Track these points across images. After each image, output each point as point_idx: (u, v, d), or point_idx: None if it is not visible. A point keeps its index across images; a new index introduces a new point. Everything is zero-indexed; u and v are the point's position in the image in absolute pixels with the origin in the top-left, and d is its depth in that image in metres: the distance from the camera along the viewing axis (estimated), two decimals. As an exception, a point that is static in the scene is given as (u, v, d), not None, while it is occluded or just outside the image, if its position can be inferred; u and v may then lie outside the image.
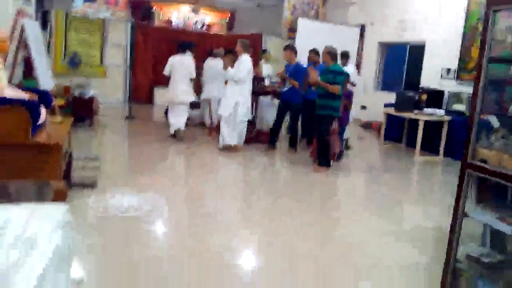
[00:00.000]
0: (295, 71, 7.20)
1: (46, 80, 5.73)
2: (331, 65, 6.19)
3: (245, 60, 6.86)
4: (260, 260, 3.46)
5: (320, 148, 6.31)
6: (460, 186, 2.62)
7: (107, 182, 4.84)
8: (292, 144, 7.46)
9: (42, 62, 5.82)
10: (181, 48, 7.68)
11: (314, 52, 7.54)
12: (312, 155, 6.70)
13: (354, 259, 3.57)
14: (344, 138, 7.43)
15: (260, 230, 4.08)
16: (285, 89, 7.35)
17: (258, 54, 9.92)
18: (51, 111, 4.54)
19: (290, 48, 7.48)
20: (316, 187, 5.78)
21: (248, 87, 7.02)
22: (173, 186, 5.24)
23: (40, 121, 3.89)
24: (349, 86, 7.33)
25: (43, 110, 4.01)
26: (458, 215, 2.63)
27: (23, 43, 5.66)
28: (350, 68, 7.68)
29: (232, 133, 7.01)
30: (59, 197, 3.68)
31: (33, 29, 5.86)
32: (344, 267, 3.41)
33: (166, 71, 7.59)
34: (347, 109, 7.08)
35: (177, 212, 4.38)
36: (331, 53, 6.18)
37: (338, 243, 3.92)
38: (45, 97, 4.35)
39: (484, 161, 2.59)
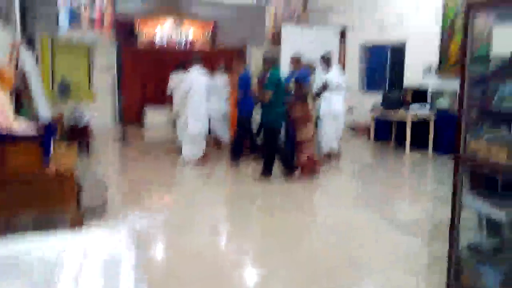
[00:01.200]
0: (240, 81, 7.20)
1: (44, 109, 5.87)
2: (268, 71, 6.12)
3: (186, 76, 7.10)
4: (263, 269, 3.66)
5: (264, 157, 6.23)
6: (455, 178, 2.84)
7: (115, 205, 5.00)
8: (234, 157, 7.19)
9: (39, 91, 5.96)
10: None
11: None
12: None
13: (351, 251, 3.79)
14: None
15: (257, 243, 4.28)
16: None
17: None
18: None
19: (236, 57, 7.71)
20: (294, 191, 5.97)
21: (194, 102, 7.00)
22: (175, 204, 5.43)
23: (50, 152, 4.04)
24: (332, 89, 7.17)
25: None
26: (456, 206, 2.85)
27: (20, 74, 5.81)
28: (333, 72, 7.45)
29: (190, 147, 7.15)
30: (76, 224, 3.85)
31: (28, 59, 6.02)
32: (341, 260, 3.61)
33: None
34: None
35: (177, 230, 4.55)
36: (266, 59, 6.19)
37: (334, 236, 4.12)
38: (49, 127, 4.50)
39: (475, 153, 2.81)
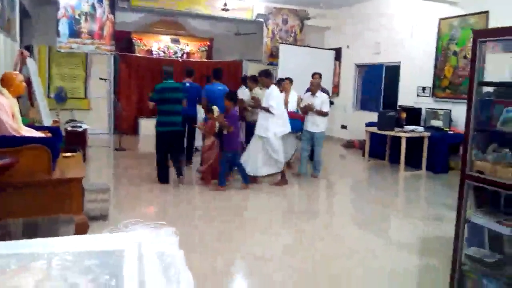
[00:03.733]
0: None
1: (46, 116, 5.91)
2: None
3: None
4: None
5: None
6: (460, 195, 2.95)
7: (116, 213, 5.03)
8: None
9: (42, 98, 6.00)
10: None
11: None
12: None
13: (358, 270, 3.85)
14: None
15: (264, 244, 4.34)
16: None
17: (238, 80, 10.27)
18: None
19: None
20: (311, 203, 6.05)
21: None
22: (174, 214, 5.47)
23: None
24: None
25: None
26: (460, 220, 2.95)
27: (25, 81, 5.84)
28: (268, 91, 6.73)
29: None
30: (81, 230, 3.87)
31: (32, 67, 6.06)
32: (351, 278, 3.68)
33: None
34: (229, 132, 6.30)
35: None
36: (164, 71, 6.62)
37: (340, 257, 4.19)
38: (57, 132, 4.54)
39: (480, 172, 2.93)
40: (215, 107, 6.53)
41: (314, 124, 7.20)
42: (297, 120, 7.31)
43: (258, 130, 6.61)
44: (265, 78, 6.77)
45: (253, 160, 6.62)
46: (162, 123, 6.40)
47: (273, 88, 6.70)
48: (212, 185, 6.47)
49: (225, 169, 6.43)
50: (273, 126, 6.51)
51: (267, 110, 6.48)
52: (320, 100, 7.21)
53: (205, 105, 7.07)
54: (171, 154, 6.57)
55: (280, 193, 6.57)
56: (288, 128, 6.74)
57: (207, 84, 8.13)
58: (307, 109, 7.16)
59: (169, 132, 6.40)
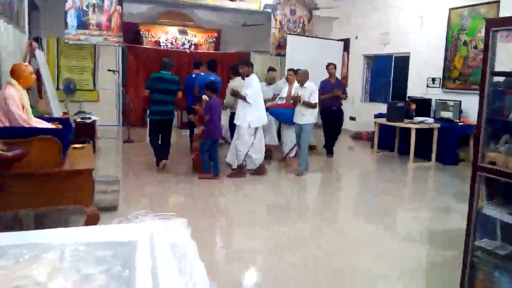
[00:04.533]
0: None
1: (56, 107, 5.93)
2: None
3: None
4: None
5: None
6: (472, 186, 2.92)
7: (126, 205, 5.05)
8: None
9: (51, 89, 6.01)
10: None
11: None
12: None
13: (356, 260, 3.85)
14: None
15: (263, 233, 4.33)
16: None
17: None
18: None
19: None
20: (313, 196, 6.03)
21: None
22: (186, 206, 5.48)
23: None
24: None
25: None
26: (472, 212, 2.92)
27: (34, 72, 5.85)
28: (245, 81, 6.80)
29: None
30: (93, 221, 3.88)
31: (41, 58, 6.07)
32: (347, 268, 3.67)
33: None
34: (204, 120, 6.37)
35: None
36: (162, 62, 6.78)
37: (348, 250, 4.18)
38: (67, 124, 4.55)
39: (492, 163, 2.89)
40: (204, 96, 6.59)
41: (302, 116, 6.98)
42: None
43: (236, 119, 6.70)
44: (246, 66, 6.71)
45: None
46: (153, 112, 6.74)
47: (253, 78, 6.69)
48: (202, 174, 6.49)
49: (204, 157, 6.44)
50: (249, 116, 6.55)
51: (243, 98, 6.54)
52: (309, 91, 6.94)
53: (196, 93, 7.42)
54: (161, 139, 6.87)
55: (288, 185, 6.56)
56: (263, 121, 6.81)
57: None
58: (295, 100, 7.01)
59: (159, 120, 6.71)
